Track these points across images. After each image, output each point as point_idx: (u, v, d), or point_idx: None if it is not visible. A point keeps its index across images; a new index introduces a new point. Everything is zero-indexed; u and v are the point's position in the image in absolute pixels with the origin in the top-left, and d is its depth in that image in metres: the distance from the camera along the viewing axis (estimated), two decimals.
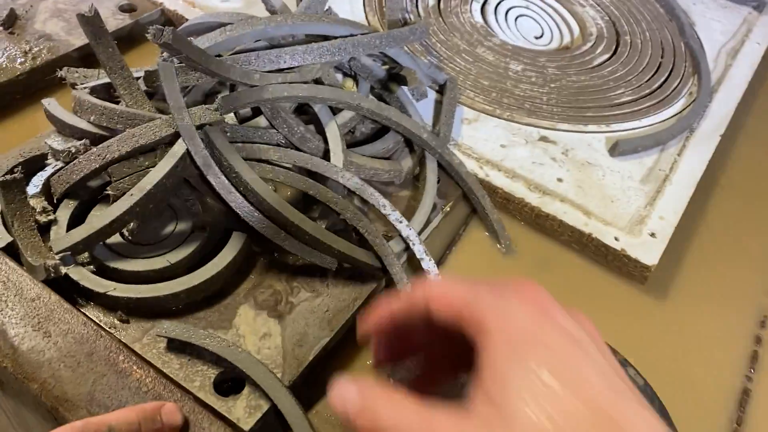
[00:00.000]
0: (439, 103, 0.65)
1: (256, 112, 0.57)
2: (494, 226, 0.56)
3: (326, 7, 0.62)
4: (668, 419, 0.43)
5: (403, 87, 0.61)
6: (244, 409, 0.41)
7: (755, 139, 0.72)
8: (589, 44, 0.79)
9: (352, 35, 0.56)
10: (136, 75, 0.56)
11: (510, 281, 0.26)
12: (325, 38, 0.56)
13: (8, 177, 0.46)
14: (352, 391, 0.25)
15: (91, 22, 0.48)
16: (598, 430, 0.21)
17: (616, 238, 0.55)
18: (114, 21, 0.68)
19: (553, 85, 0.71)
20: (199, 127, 0.48)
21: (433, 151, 0.57)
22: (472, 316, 0.25)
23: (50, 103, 0.52)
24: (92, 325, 0.37)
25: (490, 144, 0.63)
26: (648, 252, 0.54)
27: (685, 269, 0.57)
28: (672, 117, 0.70)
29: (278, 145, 0.54)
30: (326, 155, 0.54)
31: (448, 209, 0.57)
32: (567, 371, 0.22)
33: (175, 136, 0.48)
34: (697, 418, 0.48)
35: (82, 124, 0.51)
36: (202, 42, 0.53)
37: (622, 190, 0.60)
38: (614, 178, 0.61)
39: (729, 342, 0.53)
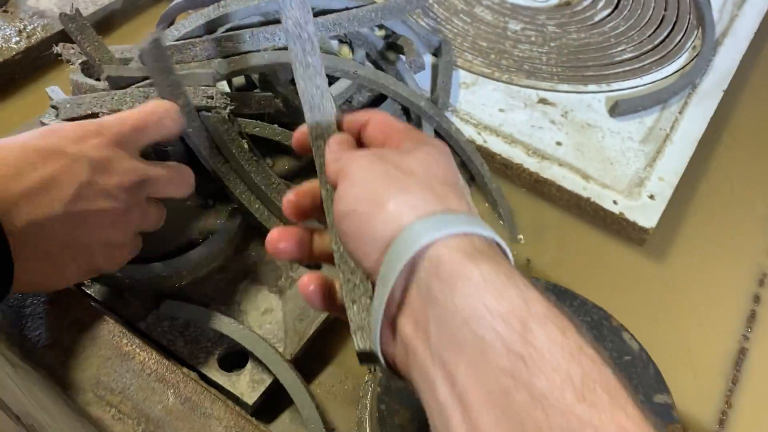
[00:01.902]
0: (436, 68, 0.64)
1: (251, 84, 0.57)
2: (493, 194, 0.56)
3: None
4: (662, 384, 0.44)
5: (401, 56, 0.60)
6: (247, 384, 0.42)
7: (760, 94, 0.71)
8: None
9: (347, 8, 0.55)
10: (130, 54, 0.56)
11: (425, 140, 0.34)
12: (323, 11, 0.55)
13: None
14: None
15: (74, 19, 0.48)
16: (450, 188, 0.30)
17: (614, 202, 0.55)
18: None
19: (552, 44, 0.70)
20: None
21: (431, 120, 0.57)
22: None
23: (54, 90, 0.53)
24: (96, 310, 0.38)
25: (488, 109, 0.62)
26: (646, 215, 0.55)
27: (685, 230, 0.57)
28: (675, 73, 0.69)
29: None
30: None
31: None
32: (451, 158, 0.33)
33: None
34: (693, 379, 0.49)
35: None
36: (196, 19, 0.53)
37: (622, 151, 0.60)
38: (614, 139, 0.61)
39: (727, 302, 0.53)
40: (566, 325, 0.24)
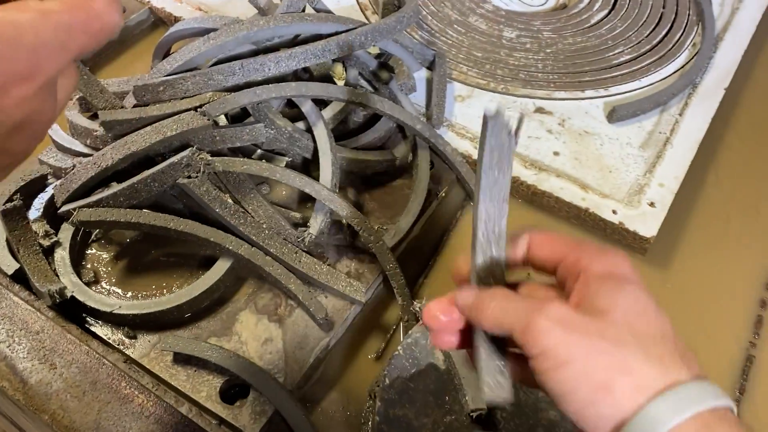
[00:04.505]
0: (430, 82, 0.64)
1: (246, 113, 0.58)
2: None
3: None
4: None
5: (394, 75, 0.60)
6: (249, 415, 0.43)
7: (764, 90, 0.69)
8: (587, 0, 0.76)
9: (337, 32, 0.55)
10: (126, 86, 0.57)
11: (602, 248, 0.31)
12: (312, 37, 0.56)
13: (9, 205, 0.48)
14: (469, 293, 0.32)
15: None
16: (663, 346, 0.29)
17: (614, 211, 0.55)
18: None
19: (548, 51, 0.70)
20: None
21: (427, 141, 0.57)
22: (576, 260, 0.31)
23: (53, 130, 0.54)
24: (95, 354, 0.39)
25: None
26: (647, 223, 0.54)
27: (688, 236, 0.57)
28: (674, 73, 0.68)
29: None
30: (315, 153, 0.54)
31: (444, 195, 0.57)
32: (650, 299, 0.30)
33: (163, 143, 0.49)
34: None
35: (79, 146, 0.53)
36: (187, 53, 0.53)
37: (621, 158, 0.60)
38: (613, 146, 0.61)
39: (733, 308, 0.53)
40: None
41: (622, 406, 0.27)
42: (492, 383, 0.30)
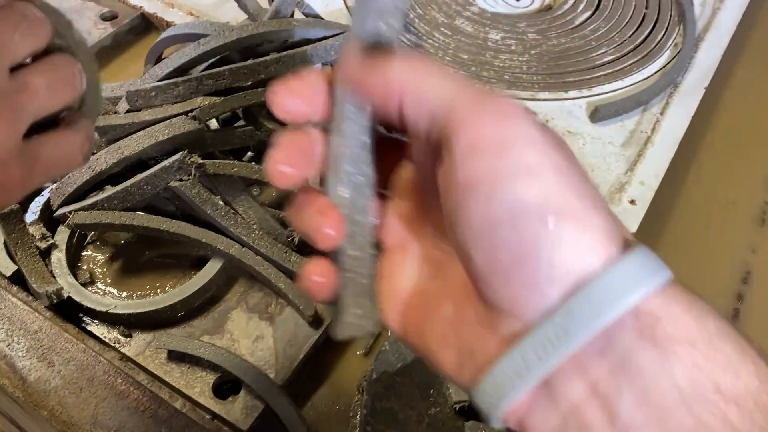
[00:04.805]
0: None
1: (236, 116, 0.59)
2: None
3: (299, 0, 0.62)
4: None
5: None
6: (241, 410, 0.45)
7: (743, 89, 0.71)
8: (571, 1, 0.78)
9: (325, 38, 0.57)
10: (119, 91, 0.58)
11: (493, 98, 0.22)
12: (300, 42, 0.57)
13: (6, 209, 0.49)
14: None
15: None
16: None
17: None
18: (96, 31, 0.70)
19: (533, 52, 0.71)
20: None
21: None
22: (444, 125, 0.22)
23: None
24: (91, 351, 0.40)
25: None
26: (627, 220, 0.56)
27: (667, 232, 0.58)
28: (656, 73, 0.69)
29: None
30: None
31: None
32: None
33: (155, 147, 0.50)
34: None
35: None
36: (178, 58, 0.55)
37: (603, 157, 0.61)
38: (595, 145, 0.62)
39: (711, 301, 0.54)
40: None
41: (572, 256, 0.20)
42: (353, 307, 0.25)
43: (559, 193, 0.20)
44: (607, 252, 0.20)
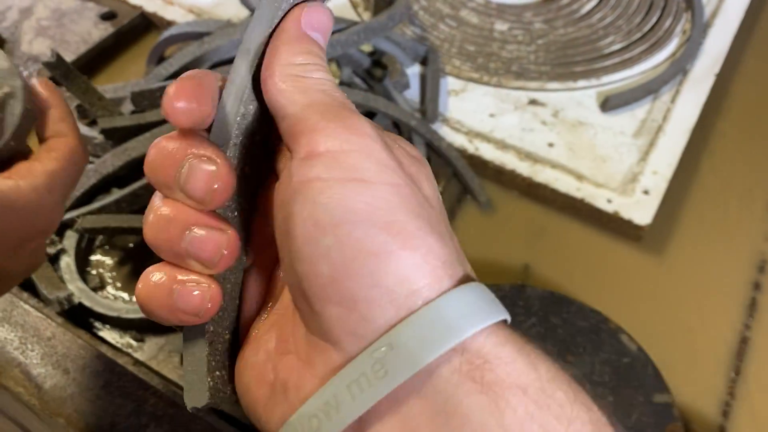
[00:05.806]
0: (424, 77, 0.65)
1: None
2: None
3: None
4: (662, 383, 0.45)
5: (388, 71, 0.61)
6: None
7: (754, 75, 0.70)
8: None
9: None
10: (123, 92, 0.57)
11: (345, 112, 0.22)
12: None
13: None
14: None
15: (57, 66, 0.50)
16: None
17: (608, 200, 0.56)
18: (97, 32, 0.69)
19: (540, 42, 0.70)
20: None
21: (423, 138, 0.58)
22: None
23: None
24: (105, 357, 0.39)
25: (478, 115, 0.63)
26: (641, 211, 0.55)
27: (682, 222, 0.58)
28: (665, 61, 0.69)
29: None
30: None
31: (441, 189, 0.58)
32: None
33: None
34: (696, 372, 0.49)
35: None
36: (182, 57, 0.54)
37: (614, 147, 0.60)
38: (606, 135, 0.61)
39: (727, 291, 0.54)
40: None
41: (404, 281, 0.19)
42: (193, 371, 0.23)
43: (390, 208, 0.19)
44: (439, 281, 0.19)
